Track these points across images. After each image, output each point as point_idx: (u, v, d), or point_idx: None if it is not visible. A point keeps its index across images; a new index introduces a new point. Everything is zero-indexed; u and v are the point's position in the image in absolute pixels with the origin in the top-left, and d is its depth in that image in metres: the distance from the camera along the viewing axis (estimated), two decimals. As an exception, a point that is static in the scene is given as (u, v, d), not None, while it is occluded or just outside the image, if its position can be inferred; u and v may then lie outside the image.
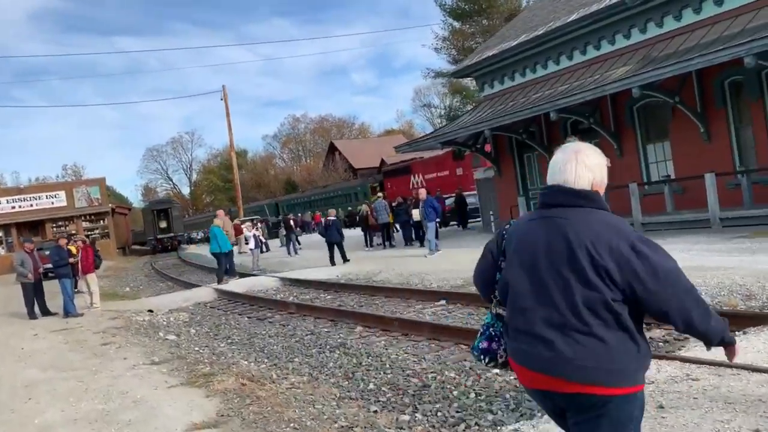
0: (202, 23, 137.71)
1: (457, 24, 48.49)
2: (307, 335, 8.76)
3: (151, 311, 13.61)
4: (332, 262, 17.48)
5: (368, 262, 17.50)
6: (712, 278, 8.38)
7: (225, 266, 16.72)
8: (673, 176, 16.69)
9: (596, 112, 18.03)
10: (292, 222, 24.99)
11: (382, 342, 7.69)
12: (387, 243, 21.78)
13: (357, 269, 16.16)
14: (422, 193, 17.51)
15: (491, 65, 21.76)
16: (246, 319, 11.33)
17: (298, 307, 10.95)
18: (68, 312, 12.91)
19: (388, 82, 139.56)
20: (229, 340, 9.59)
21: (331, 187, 59.99)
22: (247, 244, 23.42)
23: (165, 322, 12.11)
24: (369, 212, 23.18)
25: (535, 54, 20.14)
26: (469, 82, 49.77)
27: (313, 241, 31.72)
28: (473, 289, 11.09)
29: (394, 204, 22.07)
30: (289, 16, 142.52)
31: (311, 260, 20.44)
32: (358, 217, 25.14)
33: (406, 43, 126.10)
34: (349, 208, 53.08)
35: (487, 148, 23.18)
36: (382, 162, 62.85)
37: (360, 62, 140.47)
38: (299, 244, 25.63)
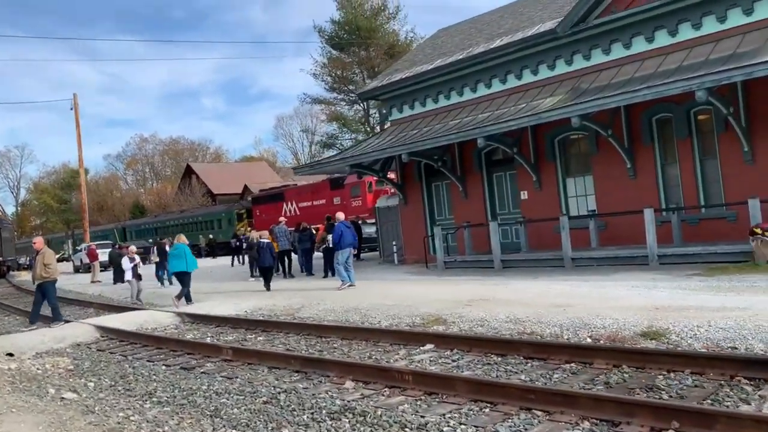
0: (35, 31, 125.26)
1: (335, 52, 47.54)
2: (279, 393, 6.59)
3: (11, 355, 10.54)
4: (267, 288, 16.56)
5: (276, 294, 15.36)
6: (737, 319, 7.52)
7: (187, 288, 15.41)
8: (595, 211, 16.38)
9: (518, 142, 17.44)
10: (167, 248, 21.89)
11: (405, 405, 5.74)
12: (287, 273, 19.59)
13: (269, 303, 13.96)
14: (341, 216, 15.74)
15: (401, 88, 20.65)
16: (162, 367, 8.80)
17: (235, 352, 8.64)
18: None
19: (241, 109, 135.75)
20: (155, 399, 7.13)
21: (190, 212, 55.74)
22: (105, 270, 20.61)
23: (41, 371, 9.20)
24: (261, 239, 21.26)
25: (451, 80, 19.31)
26: (347, 110, 48.88)
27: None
28: (440, 329, 9.44)
29: (296, 230, 19.97)
30: (136, 33, 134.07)
31: (192, 291, 17.81)
32: (246, 245, 22.98)
33: (262, 72, 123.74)
34: (211, 236, 49.47)
35: (390, 174, 21.97)
36: (245, 188, 59.82)
37: (211, 87, 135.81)
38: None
